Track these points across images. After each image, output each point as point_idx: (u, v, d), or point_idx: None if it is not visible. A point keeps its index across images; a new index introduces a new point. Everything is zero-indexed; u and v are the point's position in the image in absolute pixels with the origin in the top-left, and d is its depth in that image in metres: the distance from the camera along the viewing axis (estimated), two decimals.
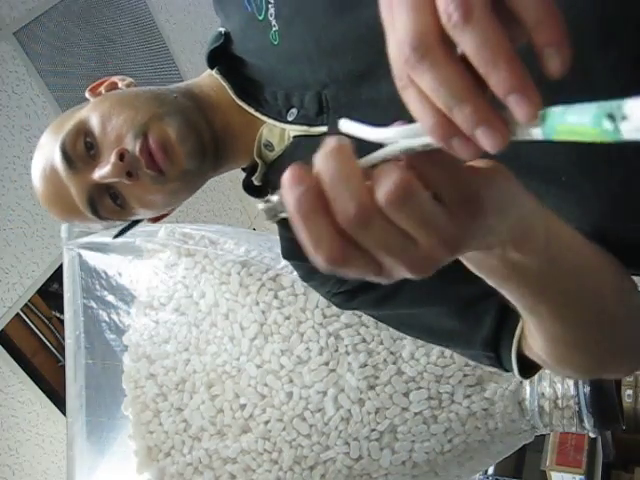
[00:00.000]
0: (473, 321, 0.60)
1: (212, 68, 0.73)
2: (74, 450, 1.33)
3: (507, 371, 0.61)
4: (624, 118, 0.24)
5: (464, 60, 0.28)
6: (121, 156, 0.64)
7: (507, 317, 0.57)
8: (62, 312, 1.41)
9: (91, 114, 0.68)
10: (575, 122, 0.27)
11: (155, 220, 0.79)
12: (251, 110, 0.71)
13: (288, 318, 1.13)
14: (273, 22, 0.64)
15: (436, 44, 0.28)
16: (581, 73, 0.48)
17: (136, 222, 0.79)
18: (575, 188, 0.51)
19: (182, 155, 0.66)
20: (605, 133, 0.25)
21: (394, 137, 0.32)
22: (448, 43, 0.29)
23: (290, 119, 0.67)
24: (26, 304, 2.24)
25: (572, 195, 0.52)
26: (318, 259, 0.32)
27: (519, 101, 0.28)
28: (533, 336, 0.53)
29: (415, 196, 0.31)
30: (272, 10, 0.63)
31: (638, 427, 1.96)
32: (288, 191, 0.32)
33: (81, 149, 0.67)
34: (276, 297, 1.14)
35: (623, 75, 0.47)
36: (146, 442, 1.19)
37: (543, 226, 0.40)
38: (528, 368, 0.58)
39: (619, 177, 0.51)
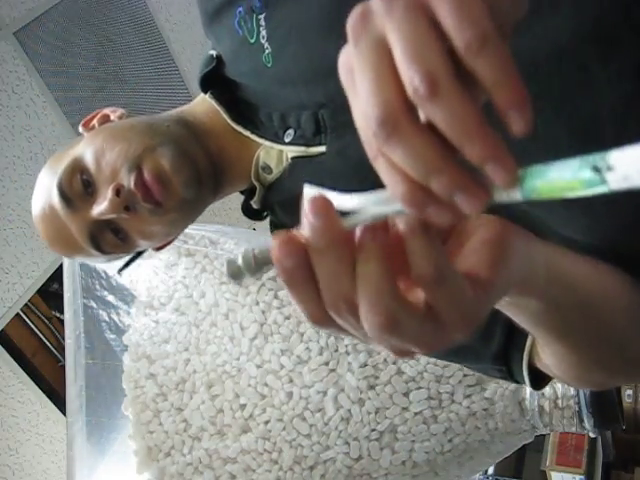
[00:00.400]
0: (482, 335, 0.59)
1: (205, 92, 0.72)
2: (74, 450, 1.33)
3: (518, 383, 0.60)
4: (610, 169, 0.24)
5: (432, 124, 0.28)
6: (117, 192, 0.64)
7: (516, 329, 0.56)
8: (62, 312, 1.41)
9: (85, 151, 0.68)
10: (557, 178, 0.27)
11: (159, 248, 0.78)
12: (247, 133, 0.70)
13: (288, 318, 1.13)
14: (265, 44, 0.63)
15: (403, 117, 0.27)
16: (584, 84, 0.48)
17: (140, 253, 0.79)
18: (582, 199, 0.51)
19: (178, 185, 0.65)
20: (591, 185, 0.25)
21: (363, 205, 0.32)
22: (414, 111, 0.28)
23: (287, 140, 0.67)
24: (26, 304, 2.24)
25: (580, 206, 0.50)
26: (304, 316, 0.33)
27: (495, 170, 0.27)
28: (545, 353, 0.52)
29: (403, 326, 0.30)
30: (264, 32, 0.63)
31: (638, 427, 1.96)
32: (277, 260, 0.31)
33: (78, 187, 0.67)
34: (276, 297, 1.14)
35: (625, 84, 0.47)
36: (146, 442, 1.19)
37: (543, 272, 0.39)
38: (540, 379, 0.58)
39: None
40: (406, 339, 0.31)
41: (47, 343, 2.33)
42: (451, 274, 0.31)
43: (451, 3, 0.27)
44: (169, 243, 0.77)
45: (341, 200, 0.33)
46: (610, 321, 0.49)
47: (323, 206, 0.31)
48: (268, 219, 0.80)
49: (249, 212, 0.77)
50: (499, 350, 0.58)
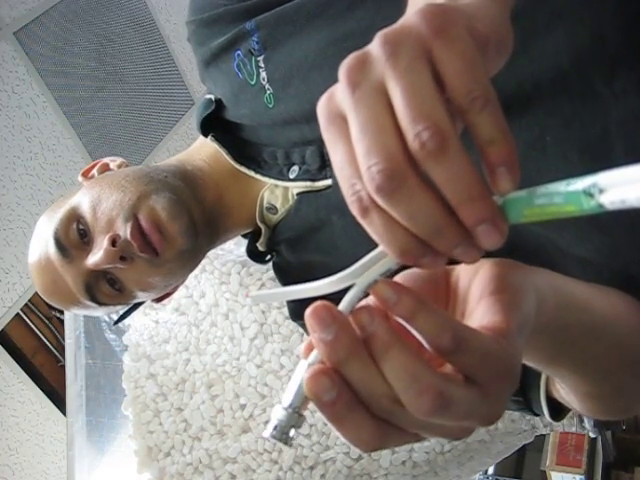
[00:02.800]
0: None
1: (206, 136, 0.71)
2: (74, 450, 1.33)
3: (537, 415, 0.59)
4: (602, 191, 0.25)
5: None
6: (113, 242, 0.63)
7: None
8: (62, 312, 1.41)
9: (82, 200, 0.67)
10: (547, 203, 0.27)
11: (159, 300, 0.76)
12: (251, 173, 0.69)
13: (288, 318, 1.13)
14: (266, 86, 0.63)
15: (410, 172, 0.26)
16: (590, 101, 0.48)
17: (138, 305, 0.77)
18: (594, 216, 0.49)
19: (176, 234, 0.64)
20: (587, 208, 0.26)
21: (347, 281, 0.31)
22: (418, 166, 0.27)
23: (292, 176, 0.66)
24: (26, 304, 2.24)
25: (592, 223, 0.50)
26: (360, 448, 0.30)
27: (488, 231, 0.27)
28: (565, 390, 0.51)
29: (454, 399, 0.28)
30: (263, 74, 0.63)
31: (638, 427, 1.96)
32: (316, 399, 0.29)
33: (74, 236, 0.66)
34: None
35: (632, 100, 0.47)
36: (146, 442, 1.19)
37: (551, 297, 0.38)
38: (558, 410, 0.57)
39: None
40: (461, 414, 0.28)
41: (47, 343, 2.33)
42: (470, 335, 0.29)
43: (459, 60, 0.26)
44: (169, 295, 0.76)
45: (320, 287, 0.32)
46: (626, 345, 0.47)
47: (327, 314, 0.29)
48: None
49: (254, 255, 0.76)
50: None
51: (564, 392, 0.52)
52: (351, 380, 0.29)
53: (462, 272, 0.36)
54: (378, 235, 0.28)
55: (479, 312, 0.32)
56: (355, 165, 0.28)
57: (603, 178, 0.25)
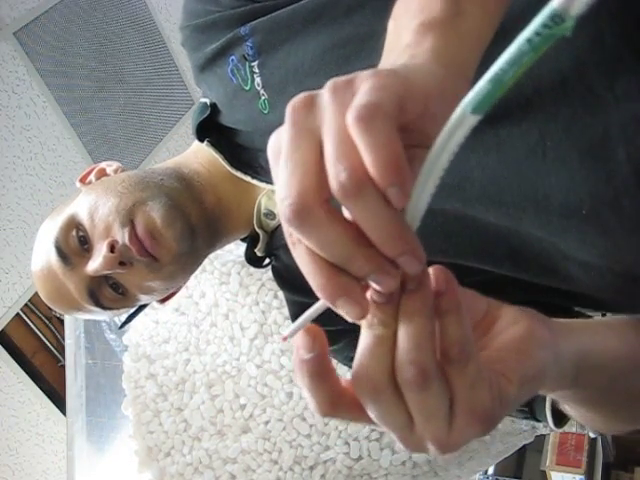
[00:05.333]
0: None
1: (202, 141, 0.71)
2: (74, 450, 1.33)
3: (540, 422, 0.61)
4: (567, 9, 0.25)
5: None
6: (111, 247, 0.63)
7: None
8: None
9: (80, 207, 0.68)
10: (517, 71, 0.27)
11: (164, 301, 0.77)
12: (247, 178, 0.69)
13: (288, 318, 1.13)
14: (261, 91, 0.63)
15: (317, 206, 0.28)
16: (591, 105, 0.48)
17: (143, 307, 0.78)
18: (597, 220, 0.49)
19: (171, 239, 0.65)
20: (567, 33, 0.26)
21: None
22: (330, 202, 0.28)
23: None
24: (26, 304, 2.24)
25: (595, 228, 0.50)
26: (315, 410, 0.33)
27: (408, 261, 0.28)
28: (571, 410, 0.52)
29: (432, 387, 0.30)
30: (258, 80, 0.63)
31: None
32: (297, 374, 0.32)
33: (74, 244, 0.67)
34: (276, 297, 1.14)
35: (633, 104, 0.47)
36: (146, 442, 1.19)
37: (572, 364, 0.39)
38: (560, 417, 0.57)
39: None
40: (430, 405, 0.30)
41: (47, 343, 2.33)
42: (475, 359, 0.31)
43: (355, 125, 0.27)
44: (173, 294, 0.76)
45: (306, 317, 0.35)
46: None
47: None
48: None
49: (253, 260, 0.76)
50: None
51: (571, 413, 0.52)
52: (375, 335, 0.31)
53: (504, 314, 0.37)
54: (302, 267, 0.30)
55: (495, 359, 0.34)
56: None
57: (556, 3, 0.25)
